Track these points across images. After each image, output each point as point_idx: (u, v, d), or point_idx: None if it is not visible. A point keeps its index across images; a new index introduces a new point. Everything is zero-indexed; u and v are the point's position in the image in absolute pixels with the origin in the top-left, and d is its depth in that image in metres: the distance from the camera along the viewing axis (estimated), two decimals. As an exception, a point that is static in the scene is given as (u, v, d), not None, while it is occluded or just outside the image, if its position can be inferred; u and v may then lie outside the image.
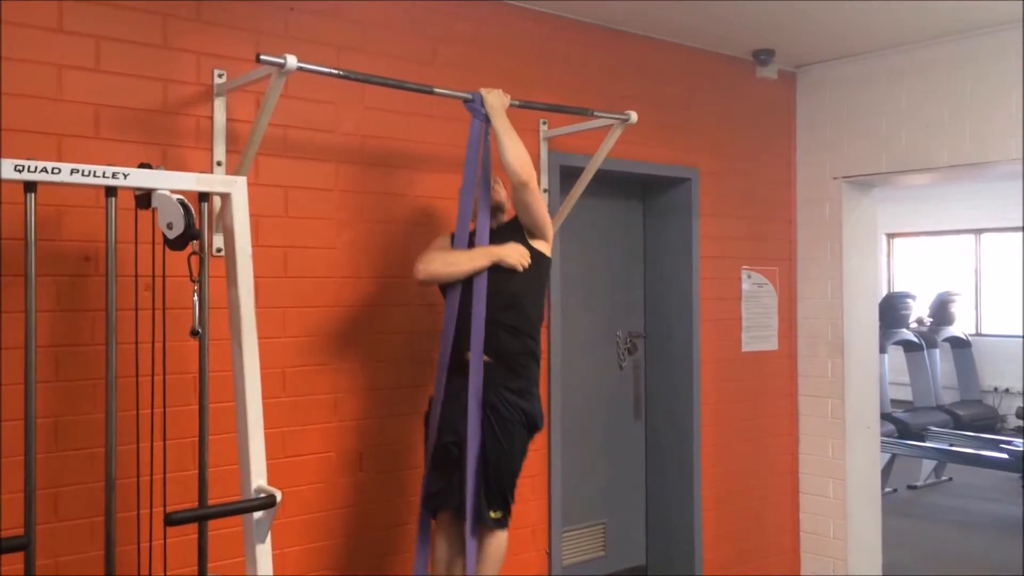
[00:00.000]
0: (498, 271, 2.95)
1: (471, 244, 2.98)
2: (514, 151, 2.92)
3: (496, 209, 3.14)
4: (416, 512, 3.19)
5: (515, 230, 3.05)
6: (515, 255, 2.96)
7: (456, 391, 2.95)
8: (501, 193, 3.16)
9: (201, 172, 2.80)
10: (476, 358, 2.90)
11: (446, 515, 3.03)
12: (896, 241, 11.67)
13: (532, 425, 3.03)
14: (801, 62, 4.82)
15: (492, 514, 2.95)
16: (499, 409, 2.94)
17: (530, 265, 3.01)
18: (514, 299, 2.99)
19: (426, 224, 3.44)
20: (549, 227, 3.08)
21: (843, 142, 4.73)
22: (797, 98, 4.93)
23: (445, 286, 3.00)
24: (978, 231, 10.81)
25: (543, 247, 3.07)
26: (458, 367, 2.96)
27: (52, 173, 2.13)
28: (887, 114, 4.56)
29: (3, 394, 2.51)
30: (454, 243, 3.05)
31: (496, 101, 2.98)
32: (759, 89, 4.72)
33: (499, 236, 3.03)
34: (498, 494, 2.96)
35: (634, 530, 4.55)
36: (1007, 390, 10.03)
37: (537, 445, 3.78)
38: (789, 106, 4.91)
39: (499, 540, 3.00)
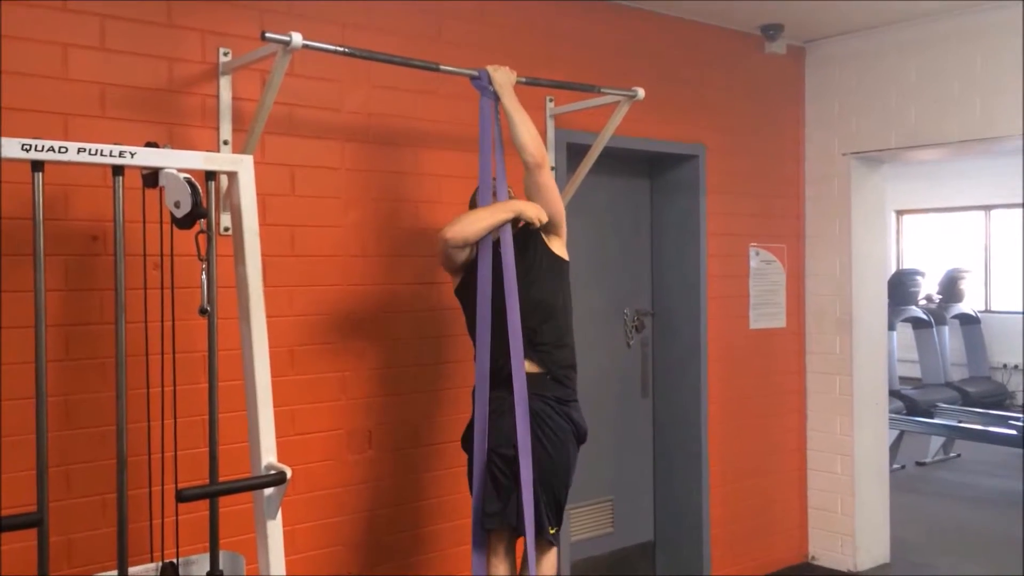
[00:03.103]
0: (526, 284, 2.84)
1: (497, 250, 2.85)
2: (526, 131, 2.88)
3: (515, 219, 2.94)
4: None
5: (532, 234, 2.95)
6: (533, 209, 2.88)
7: (502, 403, 2.80)
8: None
9: (207, 151, 2.79)
10: (517, 368, 2.78)
11: (502, 533, 2.86)
12: (905, 218, 11.61)
13: (581, 436, 2.96)
14: (810, 37, 4.78)
15: (551, 530, 2.86)
16: (548, 419, 2.84)
17: (555, 272, 2.95)
18: (550, 310, 2.92)
19: (433, 202, 3.44)
20: (563, 214, 2.99)
21: (852, 118, 4.70)
22: (806, 73, 4.89)
23: (470, 291, 2.85)
24: (988, 207, 10.74)
25: (560, 249, 2.99)
26: (499, 379, 2.82)
27: (59, 152, 2.13)
28: (896, 89, 4.53)
29: (14, 373, 2.53)
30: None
31: (504, 79, 2.95)
32: (767, 64, 4.69)
33: (518, 240, 2.90)
34: (555, 509, 2.88)
35: (642, 506, 4.57)
36: (1016, 366, 10.00)
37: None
38: (797, 81, 4.88)
39: (554, 556, 2.93)
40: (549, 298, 2.93)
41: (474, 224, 2.82)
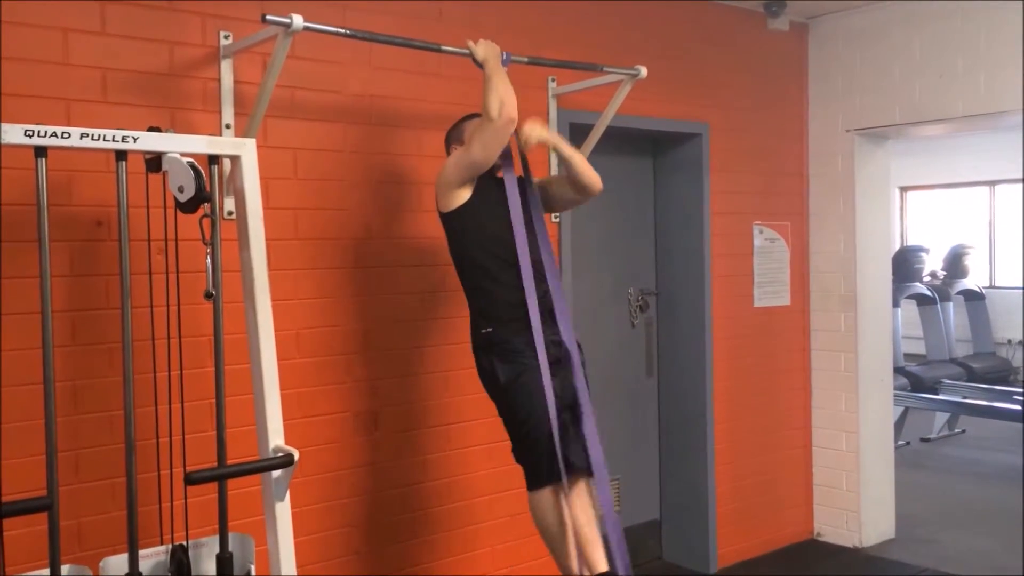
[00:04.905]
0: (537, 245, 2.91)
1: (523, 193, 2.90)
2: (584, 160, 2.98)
3: (505, 156, 2.91)
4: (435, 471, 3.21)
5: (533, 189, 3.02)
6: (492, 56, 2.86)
7: (557, 350, 2.82)
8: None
9: (210, 135, 2.79)
10: (562, 309, 2.83)
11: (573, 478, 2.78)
12: (909, 194, 11.58)
13: None
14: (813, 13, 4.75)
15: None
16: (582, 354, 2.93)
17: None
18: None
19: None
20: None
21: (856, 94, 4.68)
22: (809, 50, 4.86)
23: (480, 214, 2.83)
24: (992, 183, 10.71)
25: None
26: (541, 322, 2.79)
27: (62, 138, 2.13)
28: (901, 65, 4.50)
29: (22, 359, 2.54)
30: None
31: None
32: (770, 41, 4.66)
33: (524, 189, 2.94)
34: None
35: (648, 485, 4.59)
36: (1021, 342, 10.00)
37: (550, 402, 3.80)
38: (801, 58, 4.85)
39: None
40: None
41: (509, 96, 2.72)
